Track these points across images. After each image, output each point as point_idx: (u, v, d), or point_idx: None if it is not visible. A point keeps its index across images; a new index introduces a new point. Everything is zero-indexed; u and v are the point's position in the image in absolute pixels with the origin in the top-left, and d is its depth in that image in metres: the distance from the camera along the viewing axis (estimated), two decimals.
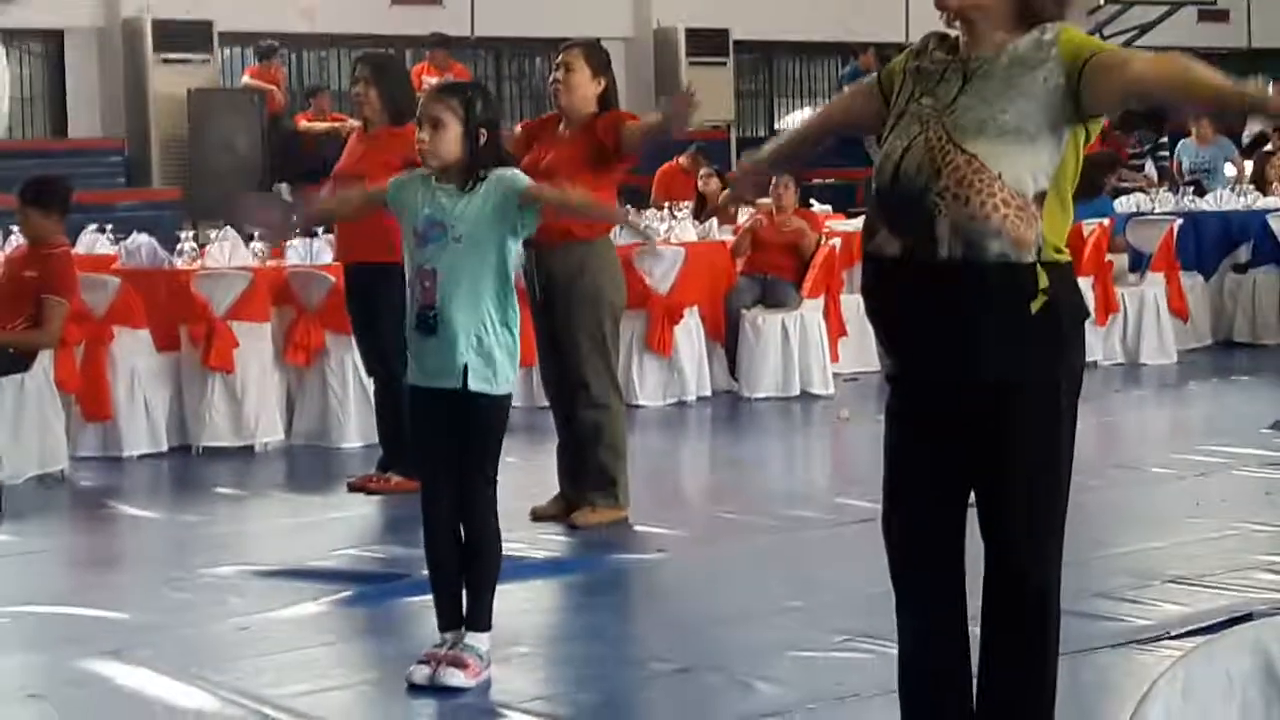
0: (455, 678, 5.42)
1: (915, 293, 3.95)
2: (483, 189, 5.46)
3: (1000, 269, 3.85)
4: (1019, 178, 3.86)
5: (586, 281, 7.72)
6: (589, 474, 7.81)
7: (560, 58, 7.80)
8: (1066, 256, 4.00)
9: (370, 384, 9.21)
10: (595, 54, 7.87)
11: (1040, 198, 3.88)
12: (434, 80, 18.26)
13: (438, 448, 5.55)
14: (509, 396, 5.57)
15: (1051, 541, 4.04)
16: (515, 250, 5.54)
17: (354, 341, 9.82)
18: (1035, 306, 3.88)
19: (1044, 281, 3.88)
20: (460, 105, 5.48)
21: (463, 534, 5.54)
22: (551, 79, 7.91)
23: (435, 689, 5.41)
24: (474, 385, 5.42)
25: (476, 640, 5.50)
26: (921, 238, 3.89)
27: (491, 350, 5.44)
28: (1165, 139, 17.83)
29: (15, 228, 10.10)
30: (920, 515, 4.10)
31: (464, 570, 5.54)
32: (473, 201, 5.45)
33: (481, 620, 5.52)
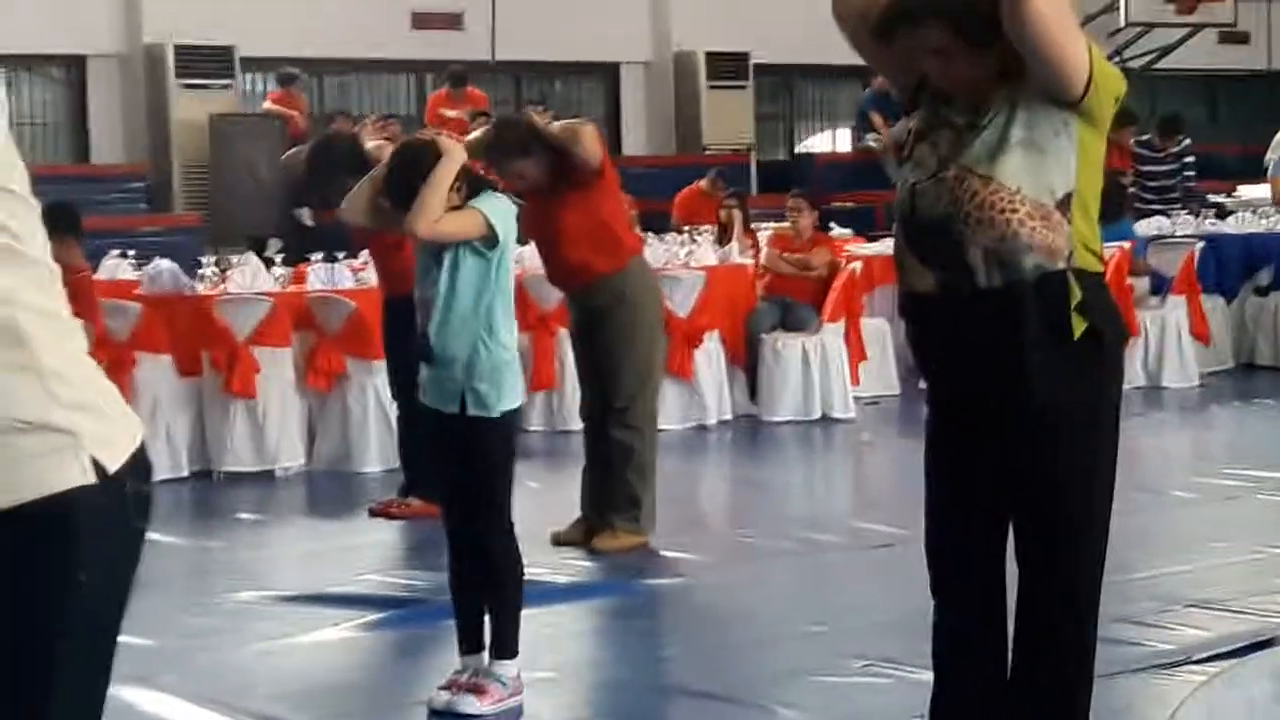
0: (471, 705, 5.43)
1: (956, 323, 3.96)
2: None
3: (1037, 282, 3.85)
4: (1037, 188, 3.87)
5: (626, 308, 7.76)
6: (614, 494, 7.81)
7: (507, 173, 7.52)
8: (1099, 265, 3.99)
9: (393, 408, 9.24)
10: (504, 147, 7.60)
11: (1064, 204, 3.89)
12: (450, 112, 18.33)
13: (449, 470, 5.59)
14: (513, 418, 5.59)
15: (1090, 564, 4.04)
16: (503, 264, 5.56)
17: (374, 366, 9.89)
18: (1078, 332, 3.88)
19: (1078, 293, 3.87)
20: None
21: (480, 559, 5.56)
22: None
23: (454, 715, 5.41)
24: (472, 410, 5.48)
25: (500, 667, 5.50)
26: (955, 269, 3.90)
27: (487, 373, 5.47)
28: (1185, 149, 17.69)
29: None
30: (960, 535, 4.10)
31: (483, 594, 5.56)
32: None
33: (505, 646, 5.52)
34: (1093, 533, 4.02)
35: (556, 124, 7.68)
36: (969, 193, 3.87)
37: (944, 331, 4.00)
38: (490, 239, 5.51)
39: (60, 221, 9.09)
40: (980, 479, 4.03)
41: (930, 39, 3.89)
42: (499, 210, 5.58)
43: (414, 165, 5.60)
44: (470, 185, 5.62)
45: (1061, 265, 3.88)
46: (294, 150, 9.00)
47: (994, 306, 3.89)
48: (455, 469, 5.56)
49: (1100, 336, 3.92)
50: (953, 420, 4.08)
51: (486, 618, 5.56)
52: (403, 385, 8.50)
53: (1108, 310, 4.01)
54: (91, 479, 2.61)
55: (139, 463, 2.71)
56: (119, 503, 2.67)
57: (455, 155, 5.61)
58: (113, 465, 2.65)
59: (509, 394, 5.53)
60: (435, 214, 5.49)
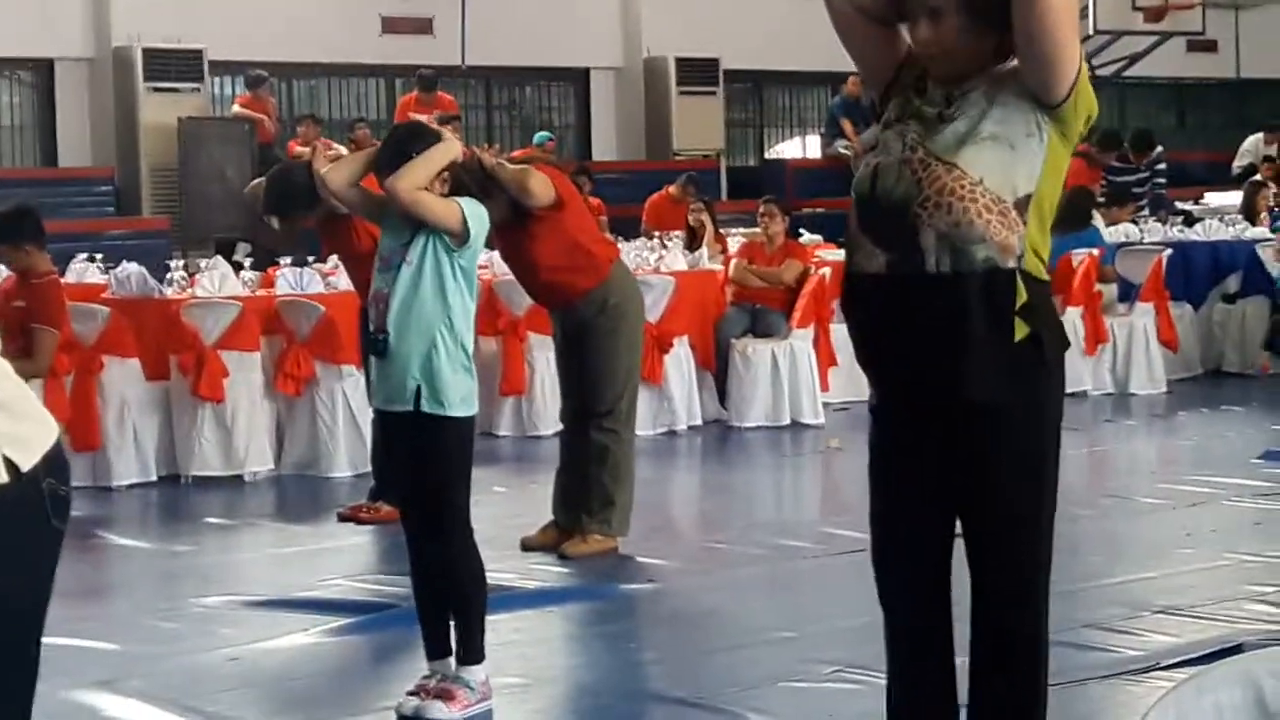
0: (439, 710, 5.41)
1: (900, 306, 3.94)
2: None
3: (985, 275, 3.86)
4: (1000, 183, 3.87)
5: (609, 316, 7.78)
6: (587, 494, 7.81)
7: None
8: (1046, 274, 4.00)
9: (364, 414, 9.23)
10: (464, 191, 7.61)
11: (1022, 204, 3.89)
12: (421, 116, 18.29)
13: (402, 473, 5.58)
14: (469, 420, 5.55)
15: (1037, 574, 4.03)
16: (470, 265, 5.56)
17: (344, 370, 9.88)
18: (1019, 335, 3.88)
19: (1024, 295, 3.88)
20: None
21: (440, 565, 5.54)
22: None
23: None
24: (426, 407, 5.44)
25: (468, 672, 5.49)
26: (907, 251, 3.89)
27: (444, 369, 5.44)
28: (1158, 158, 17.77)
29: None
30: (906, 544, 4.10)
31: (446, 599, 5.54)
32: (422, 229, 5.51)
33: (471, 651, 5.51)
34: (1034, 538, 4.01)
35: (504, 168, 7.62)
36: (931, 177, 3.88)
37: (887, 315, 3.97)
38: (462, 236, 5.50)
39: (23, 225, 9.06)
40: (923, 485, 4.03)
41: None
42: (475, 212, 5.58)
43: (412, 139, 5.63)
44: (455, 184, 5.64)
45: (1012, 264, 3.88)
46: (255, 183, 9.04)
47: (940, 293, 3.88)
48: (411, 472, 5.54)
49: (1040, 343, 3.92)
50: (895, 426, 4.08)
51: (452, 622, 5.55)
52: None
53: (1050, 319, 4.01)
54: (4, 478, 2.61)
55: (54, 462, 2.71)
56: (35, 501, 2.66)
57: (453, 146, 5.63)
58: (26, 464, 2.65)
59: (467, 398, 5.49)
60: (419, 182, 5.48)
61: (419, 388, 5.44)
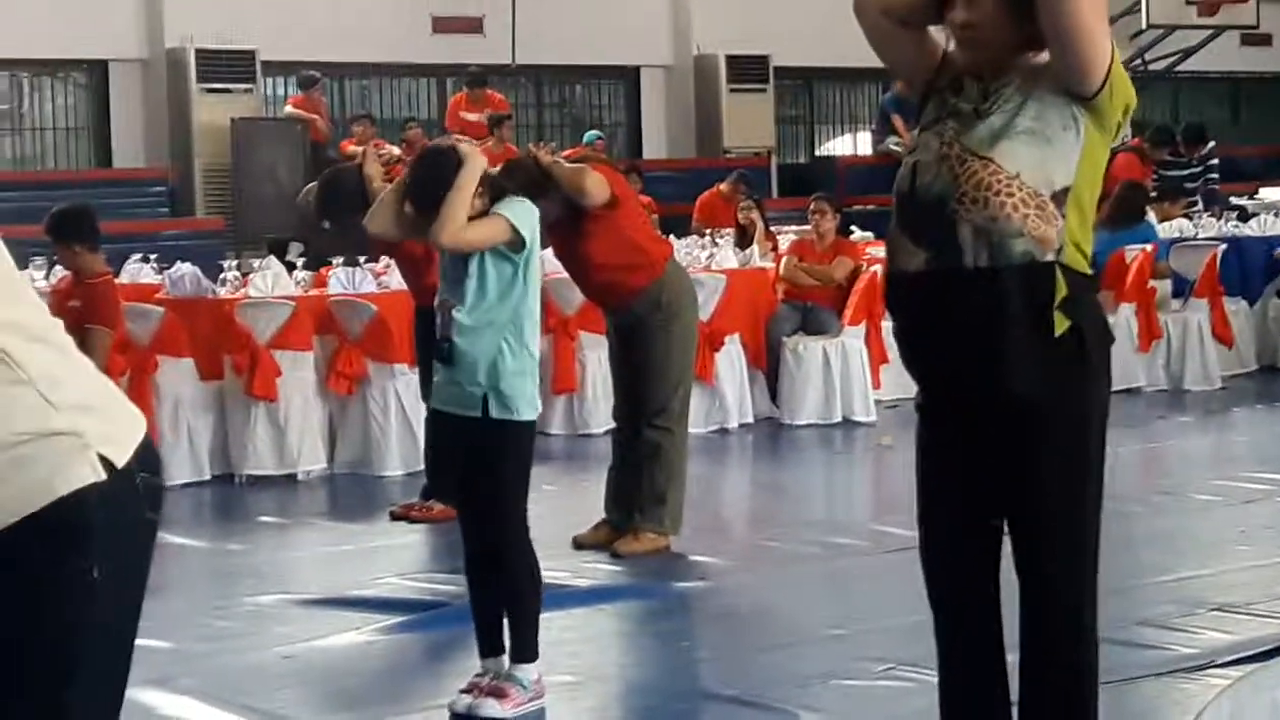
0: (492, 708, 5.43)
1: (939, 303, 3.94)
2: None
3: (1024, 269, 3.84)
4: (1036, 177, 3.86)
5: (663, 314, 7.78)
6: (639, 492, 7.81)
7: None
8: (1087, 266, 3.98)
9: (416, 412, 9.27)
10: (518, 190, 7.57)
11: (1060, 197, 3.87)
12: (470, 115, 18.34)
13: (462, 474, 5.59)
14: (533, 423, 5.59)
15: (1082, 565, 4.02)
16: (530, 266, 5.56)
17: (396, 369, 9.91)
18: (1059, 329, 3.87)
19: (1064, 289, 3.86)
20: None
21: (496, 564, 5.56)
22: None
23: (476, 719, 5.41)
24: (495, 413, 5.48)
25: (521, 670, 5.51)
26: (945, 247, 3.89)
27: (512, 376, 5.48)
28: (1210, 152, 17.65)
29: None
30: (953, 542, 4.10)
31: (500, 598, 5.55)
32: None
33: (524, 650, 5.52)
34: (1078, 534, 4.00)
35: (560, 166, 7.63)
36: (968, 172, 3.87)
37: (927, 312, 3.98)
38: (516, 243, 5.52)
39: (69, 227, 9.12)
40: (966, 483, 4.02)
41: None
42: (523, 214, 5.58)
43: (436, 171, 5.60)
44: (493, 190, 5.63)
45: (1050, 258, 3.86)
46: (306, 189, 9.11)
47: (979, 288, 3.87)
48: (472, 473, 5.56)
49: (1083, 337, 3.90)
50: (938, 424, 4.07)
51: (505, 620, 5.56)
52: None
53: (1092, 313, 3.99)
54: (102, 476, 2.64)
55: (146, 454, 2.74)
56: (131, 496, 2.70)
57: (476, 162, 5.61)
58: (120, 460, 2.68)
59: (531, 400, 5.54)
60: (460, 223, 5.49)
61: (486, 395, 5.47)
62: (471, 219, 5.52)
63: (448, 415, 5.61)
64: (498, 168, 8.08)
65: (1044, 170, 3.88)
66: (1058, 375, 3.90)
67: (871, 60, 4.30)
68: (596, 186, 7.55)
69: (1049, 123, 3.88)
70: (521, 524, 5.56)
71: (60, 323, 2.76)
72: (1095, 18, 3.82)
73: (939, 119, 4.00)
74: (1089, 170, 3.93)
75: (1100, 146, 3.95)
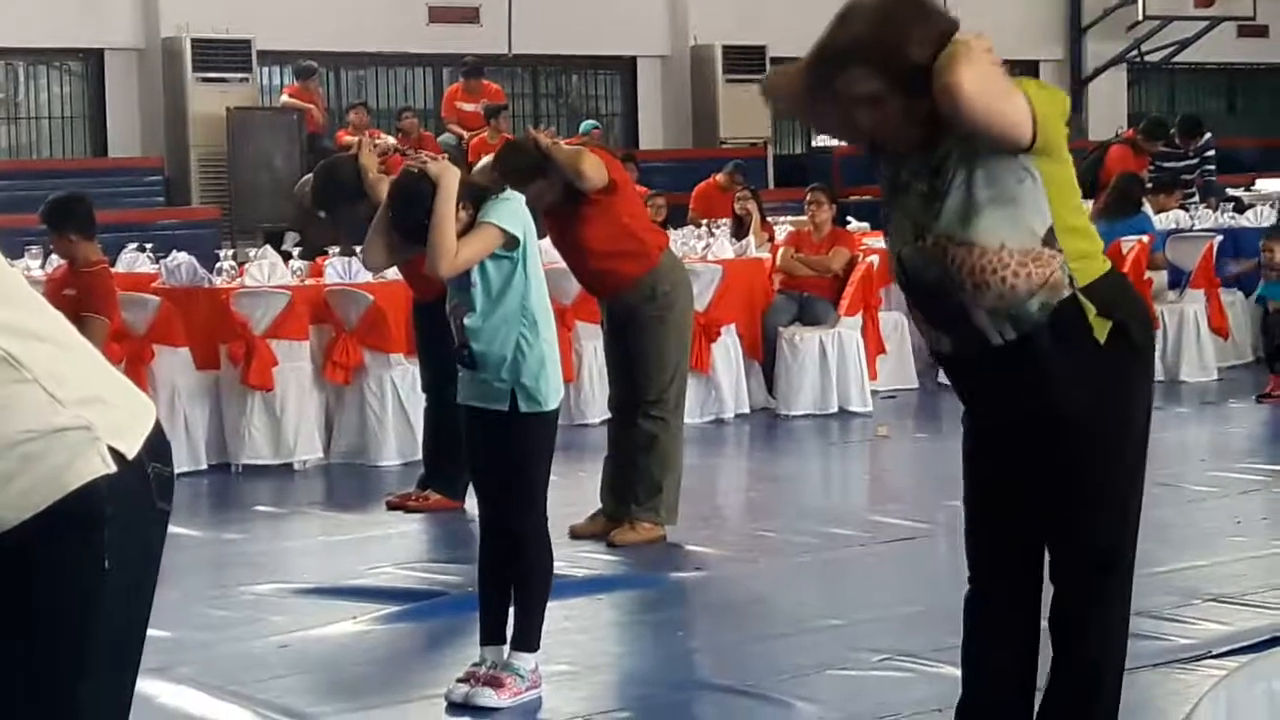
0: (488, 698, 5.44)
1: (982, 373, 4.02)
2: None
3: (1049, 319, 3.87)
4: (1019, 238, 3.86)
5: (658, 303, 7.78)
6: (636, 482, 7.82)
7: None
8: (1104, 264, 3.99)
9: (412, 402, 9.26)
10: (517, 171, 7.36)
11: (1048, 237, 3.88)
12: (467, 106, 18.33)
13: (486, 464, 5.61)
14: (556, 411, 5.62)
15: (1114, 565, 4.07)
16: (529, 257, 5.56)
17: (392, 359, 9.90)
18: (1104, 336, 3.89)
19: (1093, 307, 3.88)
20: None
21: (513, 551, 5.58)
22: None
23: (471, 708, 5.42)
24: (524, 407, 5.52)
25: (519, 659, 5.51)
26: (966, 333, 3.95)
27: (535, 369, 5.51)
28: (1207, 144, 17.63)
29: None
30: (996, 538, 4.14)
31: (512, 586, 5.57)
32: None
33: (528, 639, 5.54)
34: (1124, 538, 4.06)
35: (559, 148, 7.64)
36: (955, 261, 3.87)
37: (973, 380, 4.07)
38: (510, 242, 5.53)
39: (64, 215, 9.11)
40: (1017, 488, 4.06)
41: (858, 82, 3.81)
42: (508, 212, 5.58)
43: (413, 201, 5.60)
44: (474, 198, 5.62)
45: (1068, 293, 3.89)
46: (303, 179, 9.11)
47: (1014, 355, 3.93)
48: (496, 464, 5.57)
49: (1127, 329, 3.93)
50: (990, 437, 4.11)
51: (511, 611, 5.57)
52: (432, 383, 8.57)
53: (1126, 302, 4.02)
54: (112, 467, 2.65)
55: (156, 444, 2.75)
56: (142, 487, 2.71)
57: (449, 181, 5.58)
58: (130, 451, 2.69)
59: (556, 389, 5.59)
60: (451, 250, 5.51)
61: (513, 389, 5.51)
62: (460, 234, 5.53)
63: (477, 410, 5.62)
64: (495, 151, 8.10)
65: (1022, 228, 3.87)
66: (1110, 383, 3.97)
67: None
68: (594, 169, 7.55)
69: (1004, 184, 3.86)
70: (542, 514, 5.61)
71: (62, 317, 2.76)
72: (997, 101, 3.75)
73: (895, 189, 3.99)
74: (1061, 196, 3.92)
75: (1060, 168, 3.93)
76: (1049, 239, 3.87)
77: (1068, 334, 3.89)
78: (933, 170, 3.89)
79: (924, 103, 3.78)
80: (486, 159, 7.94)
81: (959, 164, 3.86)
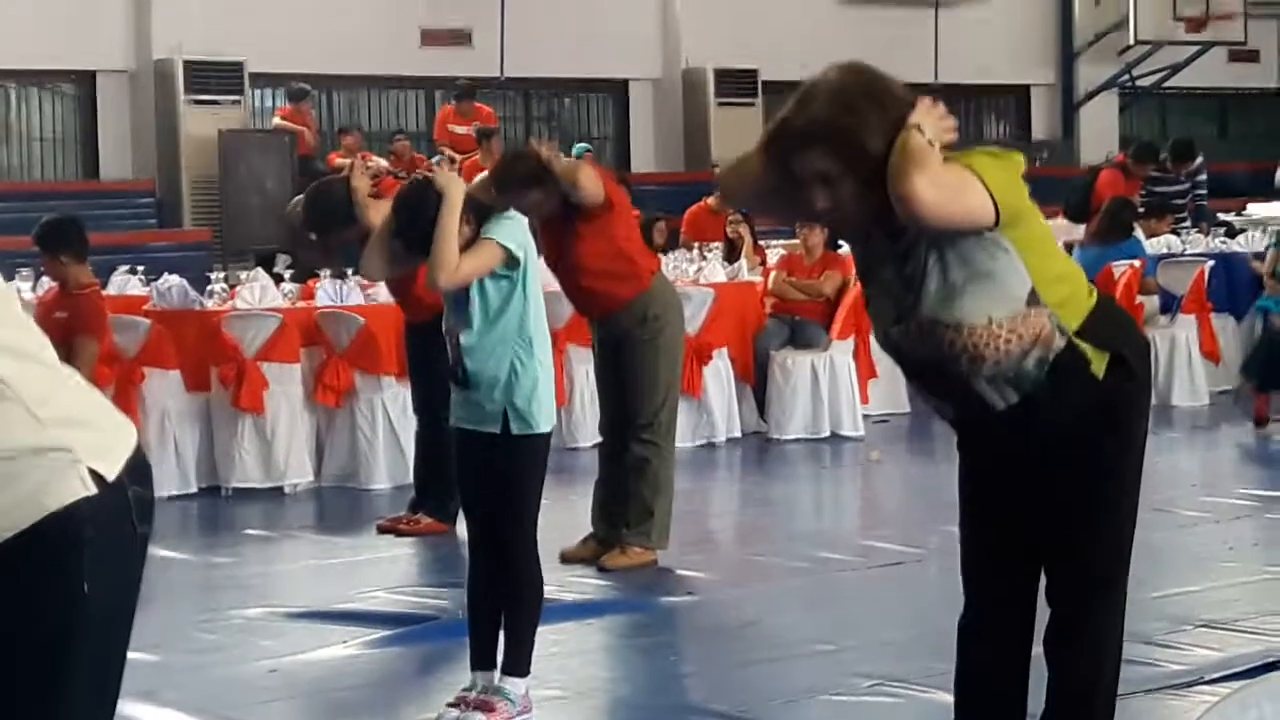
0: None
1: (989, 434, 4.03)
2: None
3: (1049, 374, 3.88)
4: (1003, 307, 3.86)
5: (649, 327, 7.79)
6: (626, 506, 7.81)
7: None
8: (1090, 298, 3.99)
9: (403, 425, 9.25)
10: (515, 181, 7.45)
11: (1032, 298, 3.87)
12: (459, 128, 18.34)
13: (478, 487, 5.60)
14: (549, 435, 5.60)
15: (1111, 584, 4.09)
16: (529, 277, 5.56)
17: (383, 382, 9.88)
18: (1100, 369, 3.92)
19: (1088, 346, 3.90)
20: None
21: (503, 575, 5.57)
22: None
23: None
24: (516, 429, 5.50)
25: (510, 684, 5.50)
26: (968, 403, 3.96)
27: (528, 391, 5.50)
28: (1199, 168, 17.65)
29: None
30: (996, 571, 4.14)
31: (503, 611, 5.55)
32: None
33: (518, 664, 5.52)
34: (1117, 559, 4.08)
35: (558, 160, 7.67)
36: (945, 342, 3.87)
37: (980, 441, 4.09)
38: (511, 261, 5.52)
39: (56, 238, 9.10)
40: (1018, 524, 4.06)
41: (813, 162, 3.79)
42: (511, 231, 5.57)
43: (418, 208, 5.60)
44: (477, 214, 5.62)
45: (1060, 343, 3.89)
46: (294, 201, 9.11)
47: (1021, 414, 3.93)
48: (487, 487, 5.56)
49: (1124, 357, 3.95)
50: (990, 477, 4.12)
51: (501, 635, 5.55)
52: (424, 405, 8.55)
53: (1122, 331, 4.05)
54: (92, 490, 2.64)
55: (137, 466, 2.73)
56: (122, 509, 2.70)
57: (455, 193, 5.59)
58: (111, 473, 2.68)
59: (549, 413, 5.58)
60: (453, 263, 5.50)
61: (505, 411, 5.50)
62: (462, 249, 5.52)
63: (469, 432, 5.61)
64: (496, 161, 8.10)
65: (1006, 298, 3.86)
66: (1110, 410, 3.99)
67: None
68: (591, 182, 7.57)
69: (978, 263, 3.85)
70: (532, 537, 5.58)
71: (47, 340, 2.75)
72: (954, 202, 3.74)
73: (870, 269, 3.98)
74: (1038, 254, 3.91)
75: (1030, 229, 3.91)
76: (1033, 299, 3.88)
77: (1068, 381, 3.90)
78: (900, 255, 3.88)
79: (878, 193, 3.76)
80: (483, 175, 7.94)
81: (929, 249, 3.86)
